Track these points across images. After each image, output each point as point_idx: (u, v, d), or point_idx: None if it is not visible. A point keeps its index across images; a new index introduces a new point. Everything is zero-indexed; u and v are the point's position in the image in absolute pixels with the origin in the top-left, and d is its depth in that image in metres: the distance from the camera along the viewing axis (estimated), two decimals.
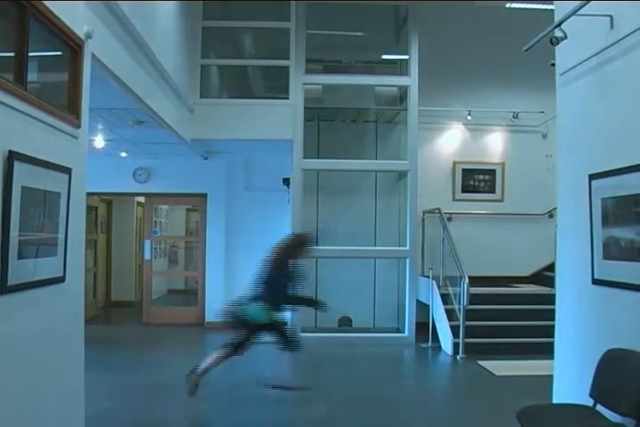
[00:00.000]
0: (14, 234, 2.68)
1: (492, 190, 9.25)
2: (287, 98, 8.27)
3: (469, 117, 9.17)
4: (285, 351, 5.34)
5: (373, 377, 6.39)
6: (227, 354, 5.19)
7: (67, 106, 3.41)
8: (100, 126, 6.57)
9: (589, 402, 3.34)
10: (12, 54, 2.80)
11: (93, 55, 3.74)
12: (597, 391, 3.31)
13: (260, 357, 7.36)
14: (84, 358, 3.70)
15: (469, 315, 7.27)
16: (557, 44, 3.70)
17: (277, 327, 5.31)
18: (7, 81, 2.64)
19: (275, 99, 8.61)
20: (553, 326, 4.24)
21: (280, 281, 5.17)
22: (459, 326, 7.25)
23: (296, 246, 5.37)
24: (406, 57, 8.41)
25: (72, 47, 3.41)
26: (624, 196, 3.31)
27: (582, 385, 3.43)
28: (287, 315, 8.19)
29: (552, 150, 7.99)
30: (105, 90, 4.56)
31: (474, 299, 7.30)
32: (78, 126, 3.49)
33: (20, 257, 2.74)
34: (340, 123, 9.27)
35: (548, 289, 7.89)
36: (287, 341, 5.33)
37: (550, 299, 4.88)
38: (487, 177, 9.33)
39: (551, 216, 8.62)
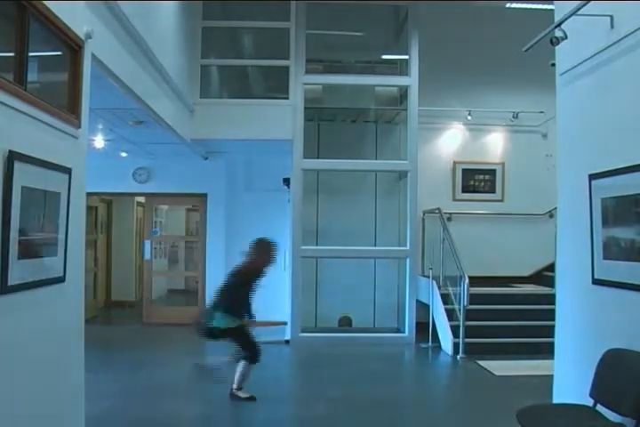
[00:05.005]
0: (14, 234, 2.68)
1: (492, 190, 9.25)
2: (287, 98, 8.27)
3: (469, 117, 9.16)
4: (243, 360, 5.16)
5: (373, 377, 6.39)
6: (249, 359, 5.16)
7: (67, 106, 3.40)
8: (100, 126, 6.58)
9: (589, 402, 3.33)
10: (12, 54, 2.80)
11: (93, 55, 3.74)
12: (597, 391, 3.31)
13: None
14: (84, 358, 3.70)
15: (469, 315, 7.27)
16: (557, 44, 3.70)
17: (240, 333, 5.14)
18: (7, 81, 2.64)
19: (275, 99, 8.61)
20: (553, 326, 4.24)
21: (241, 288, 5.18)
22: (459, 326, 7.25)
23: (262, 253, 5.39)
24: (406, 57, 8.41)
25: (72, 47, 3.40)
26: (624, 196, 3.31)
27: (582, 385, 3.43)
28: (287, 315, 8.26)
29: (552, 150, 7.97)
30: (105, 90, 4.56)
31: (474, 299, 7.31)
32: (78, 126, 3.49)
33: (20, 257, 2.74)
34: (340, 123, 9.27)
35: (548, 289, 7.89)
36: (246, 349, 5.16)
37: (550, 299, 4.88)
38: (487, 177, 9.34)
39: (551, 216, 8.62)
